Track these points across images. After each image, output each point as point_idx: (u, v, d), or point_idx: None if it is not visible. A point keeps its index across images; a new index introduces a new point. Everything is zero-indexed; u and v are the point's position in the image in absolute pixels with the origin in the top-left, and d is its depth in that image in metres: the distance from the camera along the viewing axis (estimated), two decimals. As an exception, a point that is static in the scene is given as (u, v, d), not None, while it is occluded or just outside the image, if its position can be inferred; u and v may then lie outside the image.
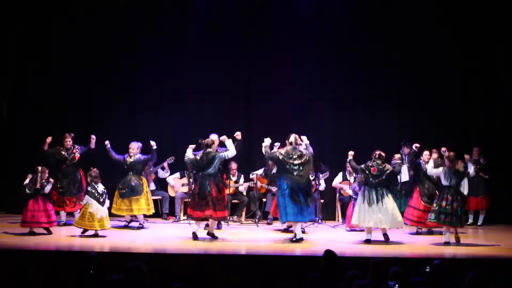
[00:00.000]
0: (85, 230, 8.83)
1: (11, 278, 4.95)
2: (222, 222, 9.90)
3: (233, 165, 10.94)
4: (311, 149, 9.00)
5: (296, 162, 8.69)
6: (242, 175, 11.10)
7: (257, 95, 11.72)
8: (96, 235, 8.81)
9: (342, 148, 10.87)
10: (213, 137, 9.29)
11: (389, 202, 8.74)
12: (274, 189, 10.38)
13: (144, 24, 11.55)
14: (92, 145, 9.98)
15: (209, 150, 8.82)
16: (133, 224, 9.99)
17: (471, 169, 8.96)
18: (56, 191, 9.78)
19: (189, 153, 9.06)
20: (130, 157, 9.83)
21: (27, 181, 8.93)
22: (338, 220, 10.92)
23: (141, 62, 11.63)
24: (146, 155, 9.88)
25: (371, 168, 8.78)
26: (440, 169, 8.83)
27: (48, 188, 9.01)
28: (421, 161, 9.72)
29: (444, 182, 8.73)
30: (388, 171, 8.78)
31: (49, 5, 11.45)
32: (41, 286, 5.04)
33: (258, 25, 11.67)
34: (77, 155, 10.00)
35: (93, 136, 9.99)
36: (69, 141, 9.98)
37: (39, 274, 5.15)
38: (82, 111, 11.50)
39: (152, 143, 9.80)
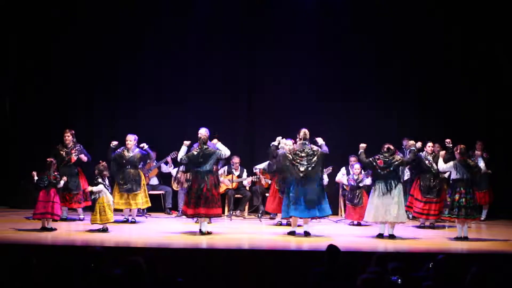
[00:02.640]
0: (104, 229, 8.83)
1: (14, 272, 4.96)
2: (225, 217, 10.00)
3: (236, 159, 10.95)
4: (325, 148, 8.99)
5: (303, 162, 8.78)
6: (245, 170, 11.11)
7: (259, 91, 11.74)
8: (104, 230, 8.78)
9: (344, 144, 10.90)
10: (202, 131, 9.37)
11: (396, 194, 8.76)
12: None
13: (145, 24, 11.58)
14: (83, 159, 9.78)
15: (205, 146, 8.82)
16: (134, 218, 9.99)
17: (481, 163, 9.04)
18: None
19: (182, 152, 8.96)
20: (128, 150, 9.77)
21: (35, 176, 8.89)
22: (341, 215, 10.91)
23: (143, 61, 11.67)
24: (144, 152, 9.84)
25: (378, 161, 8.86)
26: (451, 163, 8.86)
27: (62, 183, 9.04)
28: (422, 154, 9.79)
29: (455, 175, 8.75)
30: (396, 162, 8.85)
31: (50, 5, 11.46)
32: (44, 280, 5.05)
33: (259, 25, 11.70)
34: (74, 158, 9.76)
35: (73, 158, 9.72)
36: (68, 137, 9.80)
37: (43, 268, 5.16)
38: (83, 109, 11.58)
39: (142, 144, 9.78)
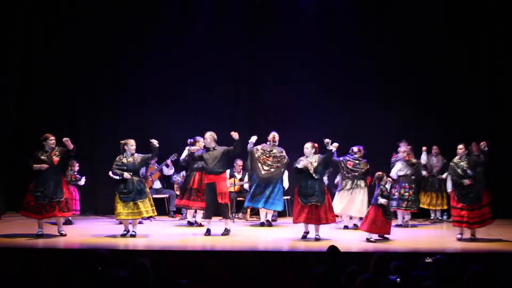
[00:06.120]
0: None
1: (21, 275, 5.05)
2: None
3: (239, 162, 11.03)
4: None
5: (268, 162, 9.72)
6: (247, 173, 11.17)
7: (260, 91, 11.82)
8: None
9: (345, 144, 10.99)
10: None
11: (361, 193, 9.65)
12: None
13: (146, 24, 11.66)
14: (70, 147, 8.76)
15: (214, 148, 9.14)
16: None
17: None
18: (33, 196, 8.79)
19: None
20: (127, 156, 8.97)
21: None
22: (341, 217, 10.96)
23: (144, 61, 11.75)
24: (144, 154, 9.06)
25: (347, 163, 9.67)
26: (398, 163, 10.10)
27: (83, 181, 10.25)
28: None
29: (402, 173, 10.10)
30: (363, 170, 9.70)
31: (51, 6, 11.57)
32: (51, 283, 5.14)
33: (260, 25, 11.79)
34: (56, 159, 8.83)
35: (65, 139, 8.71)
36: (52, 142, 8.90)
37: (50, 271, 5.25)
38: (85, 111, 11.69)
39: (154, 141, 8.95)
